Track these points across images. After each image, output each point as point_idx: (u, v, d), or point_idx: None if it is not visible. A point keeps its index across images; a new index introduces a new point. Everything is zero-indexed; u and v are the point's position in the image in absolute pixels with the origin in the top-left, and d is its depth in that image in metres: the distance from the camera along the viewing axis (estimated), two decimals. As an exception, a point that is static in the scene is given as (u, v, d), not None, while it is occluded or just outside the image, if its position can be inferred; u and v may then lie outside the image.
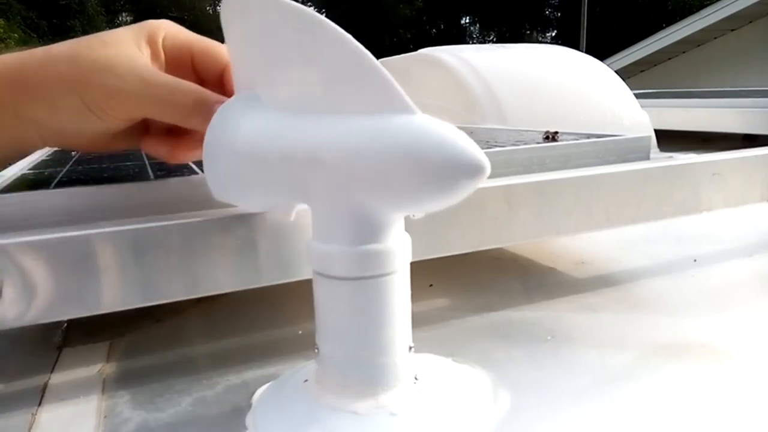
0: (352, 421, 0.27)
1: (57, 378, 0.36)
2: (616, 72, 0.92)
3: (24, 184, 0.47)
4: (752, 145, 0.52)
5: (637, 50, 6.05)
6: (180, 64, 0.37)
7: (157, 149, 0.37)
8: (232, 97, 0.31)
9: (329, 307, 0.28)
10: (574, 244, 0.56)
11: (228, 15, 0.30)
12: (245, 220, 0.32)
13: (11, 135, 0.35)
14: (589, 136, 0.49)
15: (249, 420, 0.29)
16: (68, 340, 0.41)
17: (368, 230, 0.26)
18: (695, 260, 0.51)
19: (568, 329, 0.38)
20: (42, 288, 0.29)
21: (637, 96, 0.89)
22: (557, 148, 0.45)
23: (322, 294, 0.28)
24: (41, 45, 0.35)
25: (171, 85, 0.33)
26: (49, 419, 0.31)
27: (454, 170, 0.23)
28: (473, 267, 0.50)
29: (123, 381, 0.35)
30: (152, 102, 0.33)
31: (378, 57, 0.24)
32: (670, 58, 6.07)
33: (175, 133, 0.37)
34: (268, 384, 0.32)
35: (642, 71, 6.20)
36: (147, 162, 0.50)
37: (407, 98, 0.24)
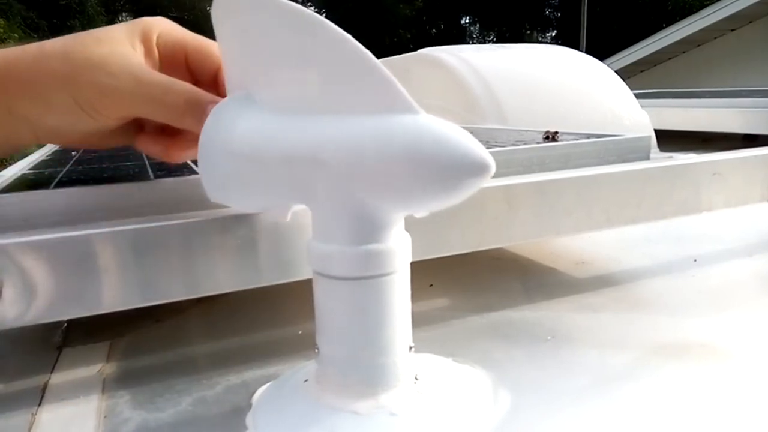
0: (352, 421, 0.27)
1: (57, 378, 0.36)
2: (616, 72, 0.92)
3: (24, 184, 0.47)
4: (752, 145, 0.52)
5: (637, 50, 6.04)
6: (174, 62, 0.36)
7: (151, 148, 0.37)
8: (226, 98, 0.30)
9: (329, 307, 0.28)
10: (574, 244, 0.56)
11: (220, 14, 0.29)
12: (245, 220, 0.32)
13: (4, 131, 0.34)
14: (589, 136, 0.49)
15: (249, 420, 0.29)
16: (68, 340, 0.41)
17: (369, 230, 0.26)
18: (695, 260, 0.51)
19: (568, 329, 0.38)
20: (42, 288, 0.29)
21: (637, 96, 0.89)
22: (557, 148, 0.45)
23: (322, 294, 0.28)
24: (41, 45, 0.35)
25: (163, 85, 0.33)
26: (49, 419, 0.31)
27: (460, 169, 0.23)
28: (473, 267, 0.50)
29: (123, 381, 0.35)
30: (144, 101, 0.33)
31: (378, 57, 0.24)
32: (670, 58, 6.07)
33: (169, 132, 0.37)
34: (268, 384, 0.32)
35: (642, 71, 6.20)
36: (147, 162, 0.50)
37: (410, 98, 0.24)
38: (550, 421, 0.28)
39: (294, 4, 0.24)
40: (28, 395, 0.33)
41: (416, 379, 0.29)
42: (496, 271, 0.50)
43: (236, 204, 0.32)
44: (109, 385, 0.34)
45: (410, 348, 0.29)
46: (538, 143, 0.46)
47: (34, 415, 0.31)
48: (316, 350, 0.29)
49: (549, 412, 0.29)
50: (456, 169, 0.23)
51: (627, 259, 0.52)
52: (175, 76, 0.34)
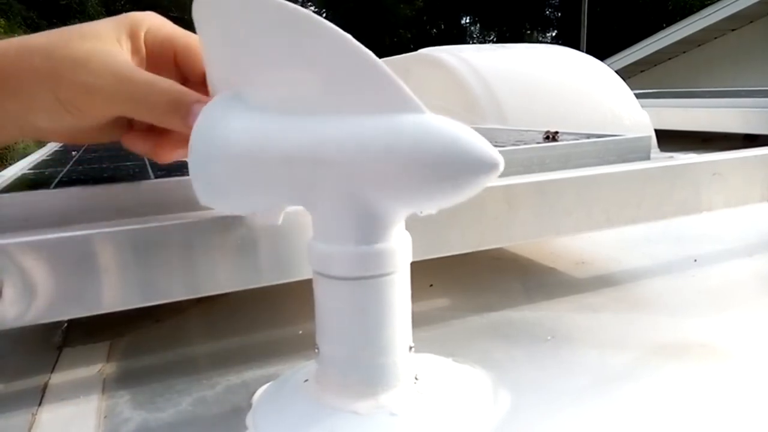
0: (352, 421, 0.27)
1: (57, 378, 0.36)
2: (616, 72, 0.92)
3: (24, 184, 0.47)
4: (752, 145, 0.52)
5: (637, 50, 6.04)
6: (162, 59, 0.35)
7: (139, 146, 0.35)
8: (215, 98, 0.29)
9: (329, 307, 0.28)
10: (574, 244, 0.56)
11: (204, 14, 0.29)
12: (245, 220, 0.32)
13: None
14: (589, 136, 0.49)
15: (249, 420, 0.29)
16: (68, 340, 0.41)
17: (370, 230, 0.26)
18: (695, 260, 0.51)
19: (568, 329, 0.38)
20: (42, 288, 0.29)
21: (637, 96, 0.89)
22: (557, 148, 0.45)
23: (322, 294, 0.28)
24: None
25: (147, 83, 0.32)
26: (49, 419, 0.31)
27: (470, 167, 0.23)
28: (473, 267, 0.50)
29: (123, 381, 0.35)
30: (127, 100, 0.32)
31: (378, 57, 0.24)
32: (670, 58, 6.07)
33: (158, 131, 0.35)
34: (268, 384, 0.32)
35: (642, 71, 6.20)
36: (147, 162, 0.50)
37: (416, 98, 0.24)
38: (550, 421, 0.28)
39: (291, 4, 0.24)
40: (28, 395, 0.33)
41: (416, 379, 0.29)
42: (496, 271, 0.50)
43: (230, 207, 0.31)
44: (109, 385, 0.34)
45: (410, 348, 0.29)
46: (539, 143, 0.46)
47: (34, 415, 0.31)
48: (316, 350, 0.29)
49: (549, 412, 0.29)
50: (466, 167, 0.23)
51: (627, 259, 0.52)
52: (163, 74, 0.33)
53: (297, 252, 0.33)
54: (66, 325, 0.43)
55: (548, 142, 0.47)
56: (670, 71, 6.04)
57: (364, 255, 0.26)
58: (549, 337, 0.37)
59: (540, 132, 0.53)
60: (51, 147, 0.91)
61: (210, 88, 0.31)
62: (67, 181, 0.42)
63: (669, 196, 0.44)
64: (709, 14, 5.39)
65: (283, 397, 0.30)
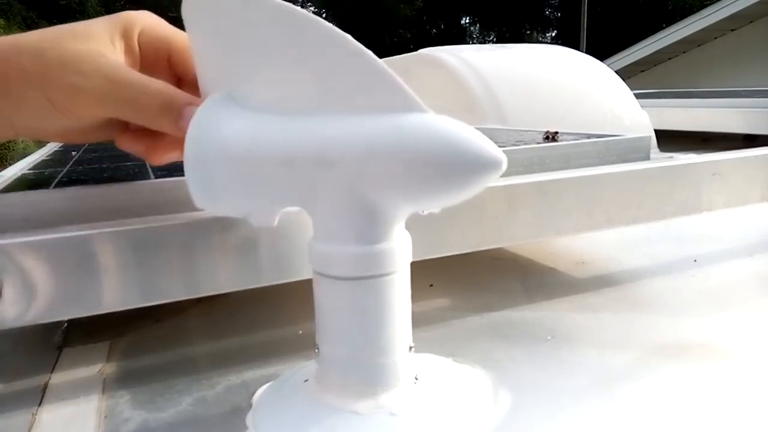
0: (352, 421, 0.27)
1: (57, 378, 0.36)
2: (616, 72, 0.92)
3: (24, 184, 0.47)
4: (752, 145, 0.52)
5: (637, 50, 6.04)
6: (156, 60, 0.35)
7: (133, 147, 0.35)
8: (209, 99, 0.28)
9: (329, 307, 0.28)
10: (575, 244, 0.56)
11: (194, 12, 0.29)
12: (245, 220, 0.32)
13: None
14: (589, 136, 0.49)
15: (249, 420, 0.29)
16: (68, 340, 0.41)
17: (370, 230, 0.26)
18: (695, 260, 0.51)
19: (568, 329, 0.38)
20: (42, 288, 0.29)
21: (637, 96, 0.89)
22: (557, 148, 0.45)
23: (322, 294, 0.28)
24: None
25: (137, 85, 0.31)
26: (49, 419, 0.31)
27: (475, 166, 0.24)
28: (473, 267, 0.50)
29: (123, 381, 0.35)
30: (117, 102, 0.31)
31: (378, 57, 0.24)
32: (670, 58, 6.07)
33: (152, 133, 0.34)
34: (268, 384, 0.32)
35: (642, 71, 6.20)
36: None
37: (417, 98, 0.24)
38: (550, 421, 0.28)
39: (288, 4, 0.24)
40: (28, 395, 0.33)
41: (416, 379, 0.29)
42: (496, 271, 0.50)
43: (227, 209, 0.30)
44: (110, 385, 0.34)
45: (410, 348, 0.29)
46: (539, 143, 0.46)
47: (34, 415, 0.31)
48: (316, 350, 0.29)
49: (549, 412, 0.29)
50: (471, 166, 0.24)
51: (627, 259, 0.52)
52: (157, 75, 0.33)
53: (297, 252, 0.33)
54: (66, 325, 0.43)
55: (548, 142, 0.47)
56: (670, 71, 6.04)
57: (364, 255, 0.26)
58: (549, 337, 0.37)
59: (540, 132, 0.53)
60: (51, 147, 0.91)
61: (201, 88, 0.31)
62: (67, 181, 0.42)
63: (669, 196, 0.44)
64: (709, 14, 5.39)
65: (284, 397, 0.30)
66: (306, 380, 0.30)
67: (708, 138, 1.13)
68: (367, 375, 0.27)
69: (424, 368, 0.30)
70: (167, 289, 0.31)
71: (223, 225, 0.32)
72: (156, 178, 0.39)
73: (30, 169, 0.57)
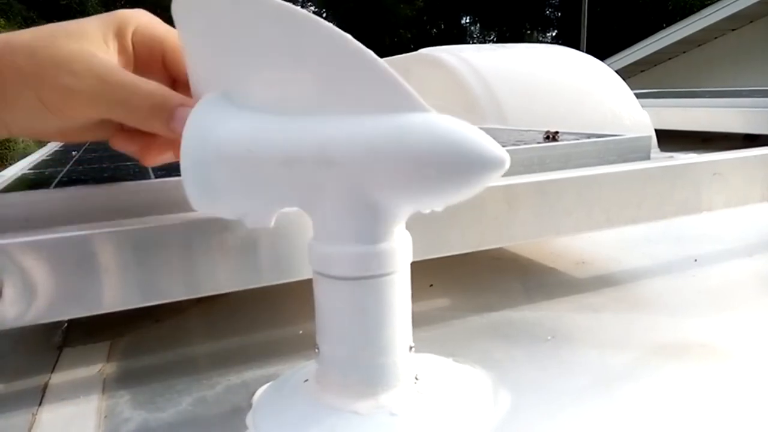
0: (352, 421, 0.27)
1: (57, 378, 0.36)
2: (616, 72, 0.92)
3: (24, 184, 0.47)
4: (753, 145, 0.52)
5: (637, 50, 6.04)
6: (151, 59, 0.34)
7: (127, 147, 0.35)
8: (205, 99, 0.28)
9: (330, 307, 0.28)
10: (575, 244, 0.56)
11: (185, 12, 0.28)
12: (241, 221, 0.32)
13: None
14: (589, 135, 0.49)
15: (249, 420, 0.29)
16: (68, 340, 0.41)
17: (371, 230, 0.26)
18: (696, 260, 0.51)
19: (568, 329, 0.38)
20: (42, 288, 0.29)
21: (638, 96, 0.89)
22: (558, 148, 0.45)
23: (322, 294, 0.28)
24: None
25: (129, 86, 0.31)
26: (49, 419, 0.31)
27: (478, 165, 0.24)
28: (473, 267, 0.50)
29: (123, 381, 0.35)
30: (108, 103, 0.31)
31: (378, 57, 0.24)
32: (670, 58, 6.07)
33: (145, 133, 0.34)
34: (268, 384, 0.32)
35: (642, 71, 6.20)
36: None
37: (419, 97, 0.24)
38: (550, 421, 0.28)
39: (289, 3, 0.24)
40: (28, 395, 0.33)
41: (416, 379, 0.29)
42: (496, 271, 0.50)
43: (225, 211, 0.30)
44: (110, 385, 0.34)
45: (410, 348, 0.29)
46: (539, 143, 0.46)
47: (34, 415, 0.31)
48: (317, 350, 0.29)
49: (549, 412, 0.29)
50: (474, 165, 0.24)
51: (627, 259, 0.52)
52: (151, 74, 0.33)
53: (297, 252, 0.33)
54: (66, 325, 0.43)
55: (548, 142, 0.47)
56: (670, 71, 6.04)
57: (364, 255, 0.26)
58: (549, 337, 0.37)
59: (540, 132, 0.53)
60: (51, 147, 0.91)
61: (192, 88, 0.31)
62: (67, 181, 0.42)
63: (669, 196, 0.44)
64: (709, 14, 5.39)
65: (284, 397, 0.30)
66: (306, 380, 0.30)
67: (708, 138, 1.13)
68: (367, 375, 0.27)
69: (424, 368, 0.30)
70: (167, 289, 0.31)
71: (223, 225, 0.32)
72: (156, 178, 0.39)
73: (30, 169, 0.57)
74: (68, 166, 0.53)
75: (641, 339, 0.37)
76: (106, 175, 0.46)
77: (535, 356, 0.35)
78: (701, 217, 0.45)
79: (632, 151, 0.47)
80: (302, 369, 0.32)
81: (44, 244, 0.29)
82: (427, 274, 0.47)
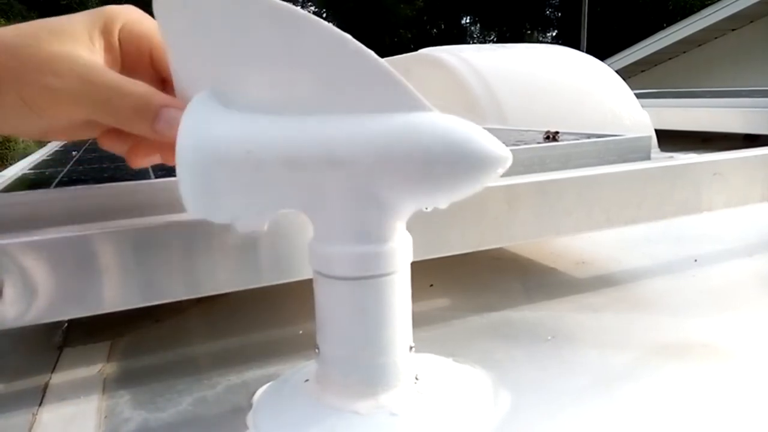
0: (352, 421, 0.27)
1: (58, 378, 0.36)
2: (616, 72, 0.92)
3: (24, 184, 0.47)
4: (753, 145, 0.52)
5: (638, 50, 6.04)
6: (139, 57, 0.33)
7: (116, 146, 0.34)
8: (197, 100, 0.27)
9: (330, 307, 0.28)
10: (575, 244, 0.56)
11: (167, 13, 0.28)
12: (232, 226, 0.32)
13: None
14: (589, 136, 0.49)
15: (249, 420, 0.29)
16: (69, 340, 0.41)
17: (371, 230, 0.26)
18: (696, 260, 0.51)
19: (568, 329, 0.38)
20: (42, 288, 0.29)
21: (638, 96, 0.89)
22: (558, 148, 0.45)
23: (322, 294, 0.28)
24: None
25: (112, 86, 0.30)
26: (49, 419, 0.31)
27: (482, 163, 0.24)
28: (473, 267, 0.50)
29: (123, 381, 0.35)
30: (90, 104, 0.30)
31: (379, 57, 0.24)
32: (670, 58, 6.07)
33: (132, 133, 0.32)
34: (268, 384, 0.32)
35: (642, 71, 6.20)
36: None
37: (422, 97, 0.24)
38: (550, 421, 0.28)
39: (287, 3, 0.24)
40: (28, 395, 0.33)
41: (416, 379, 0.29)
42: (496, 271, 0.50)
43: (223, 214, 0.29)
44: (110, 385, 0.34)
45: (410, 348, 0.29)
46: (539, 143, 0.46)
47: (34, 415, 0.31)
48: (317, 350, 0.29)
49: (549, 412, 0.29)
50: (476, 163, 0.24)
51: (627, 259, 0.52)
52: (139, 73, 0.32)
53: (297, 252, 0.33)
54: (66, 325, 0.43)
55: (548, 142, 0.47)
56: (670, 71, 6.04)
57: (364, 255, 0.26)
58: (549, 337, 0.37)
59: (540, 132, 0.53)
60: (51, 147, 0.91)
61: (177, 88, 0.30)
62: (68, 181, 0.42)
63: (669, 196, 0.44)
64: (709, 14, 5.39)
65: (284, 397, 0.30)
66: (306, 380, 0.30)
67: (708, 138, 1.13)
68: (367, 375, 0.27)
69: (424, 368, 0.30)
70: (167, 289, 0.31)
71: (223, 225, 0.32)
72: (156, 178, 0.39)
73: (30, 169, 0.57)
74: (68, 166, 0.53)
75: (642, 339, 0.37)
76: (106, 175, 0.46)
77: (536, 356, 0.35)
78: (701, 217, 0.45)
79: (632, 151, 0.47)
80: (302, 369, 0.32)
81: (44, 244, 0.29)
82: (428, 274, 0.47)
